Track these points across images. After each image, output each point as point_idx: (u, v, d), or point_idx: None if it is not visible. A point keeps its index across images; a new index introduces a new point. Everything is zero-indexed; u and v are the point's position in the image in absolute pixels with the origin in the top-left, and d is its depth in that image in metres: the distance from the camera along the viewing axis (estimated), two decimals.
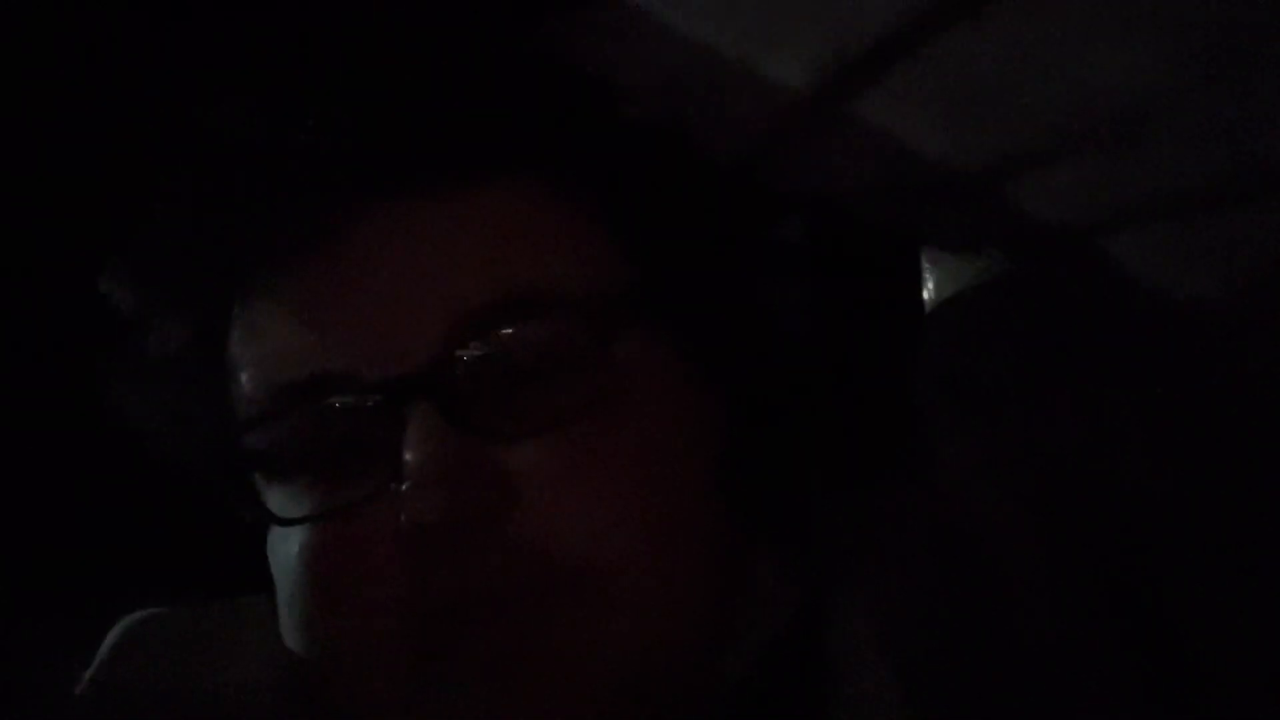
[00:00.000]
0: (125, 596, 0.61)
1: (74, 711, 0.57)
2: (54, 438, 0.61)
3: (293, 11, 0.58)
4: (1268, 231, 0.44)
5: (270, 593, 0.57)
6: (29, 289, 0.66)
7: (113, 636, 0.60)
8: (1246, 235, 0.45)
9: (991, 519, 0.52)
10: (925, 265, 0.63)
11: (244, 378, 0.54)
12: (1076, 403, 0.51)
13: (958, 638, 0.52)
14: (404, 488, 0.48)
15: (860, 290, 0.66)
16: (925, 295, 0.63)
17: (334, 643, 0.52)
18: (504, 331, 0.50)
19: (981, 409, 0.53)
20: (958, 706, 0.51)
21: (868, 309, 0.66)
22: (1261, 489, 0.46)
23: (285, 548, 0.53)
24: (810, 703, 0.53)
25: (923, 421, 0.55)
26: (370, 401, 0.50)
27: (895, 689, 0.51)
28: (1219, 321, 0.46)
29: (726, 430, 0.55)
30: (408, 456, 0.48)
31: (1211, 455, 0.47)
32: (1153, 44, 0.44)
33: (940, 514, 0.54)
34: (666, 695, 0.52)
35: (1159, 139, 0.45)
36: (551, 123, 0.53)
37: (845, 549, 0.57)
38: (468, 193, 0.51)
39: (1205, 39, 0.44)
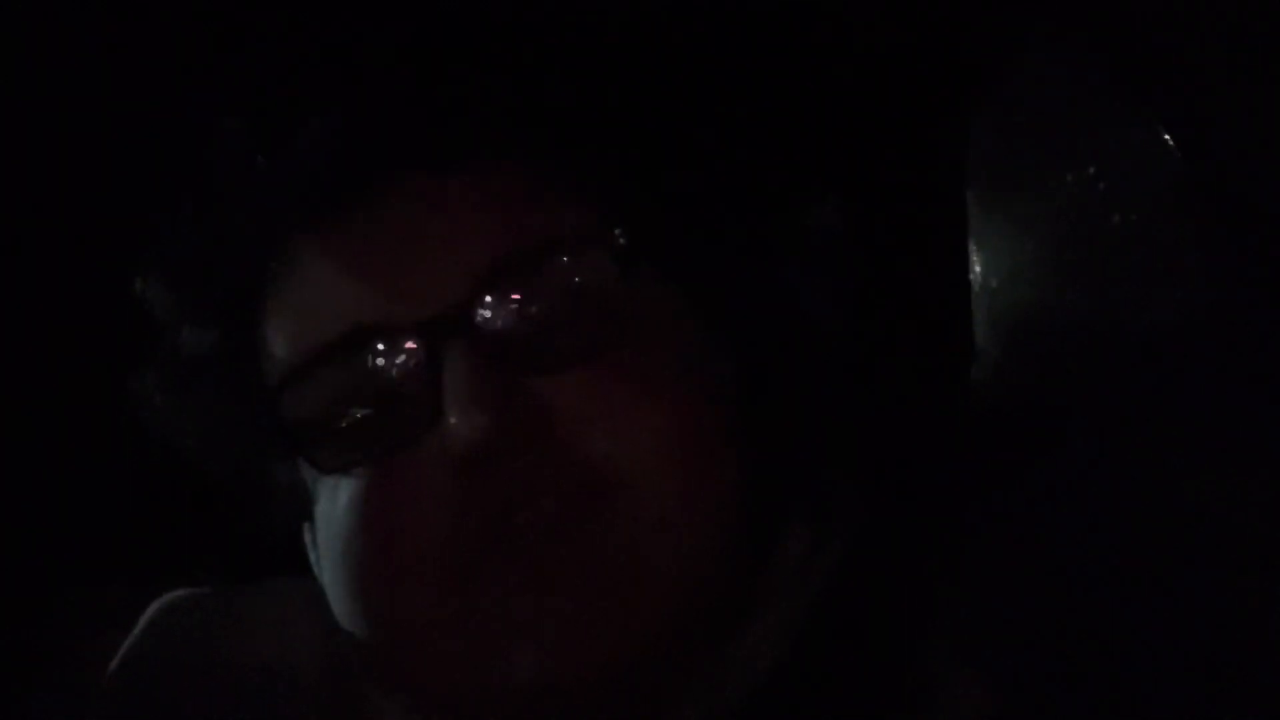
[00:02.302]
0: (159, 577, 0.61)
1: (107, 688, 0.58)
2: (93, 422, 0.59)
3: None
4: None
5: (303, 575, 0.58)
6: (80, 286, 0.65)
7: (147, 616, 0.60)
8: None
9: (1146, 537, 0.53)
10: (972, 249, 0.63)
11: (282, 346, 0.56)
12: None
13: (1064, 658, 0.52)
14: (447, 413, 0.51)
15: (894, 273, 0.66)
16: (973, 276, 0.64)
17: (388, 581, 0.53)
18: (527, 274, 0.53)
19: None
20: None
21: (903, 292, 0.66)
22: None
23: (334, 502, 0.55)
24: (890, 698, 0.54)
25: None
26: (410, 345, 0.52)
27: (986, 703, 0.53)
28: None
29: (738, 385, 0.57)
30: (448, 386, 0.51)
31: None
32: None
33: (1075, 528, 0.54)
34: (698, 620, 0.53)
35: None
36: (554, 109, 0.57)
37: (943, 548, 0.57)
38: (484, 164, 0.55)
39: None
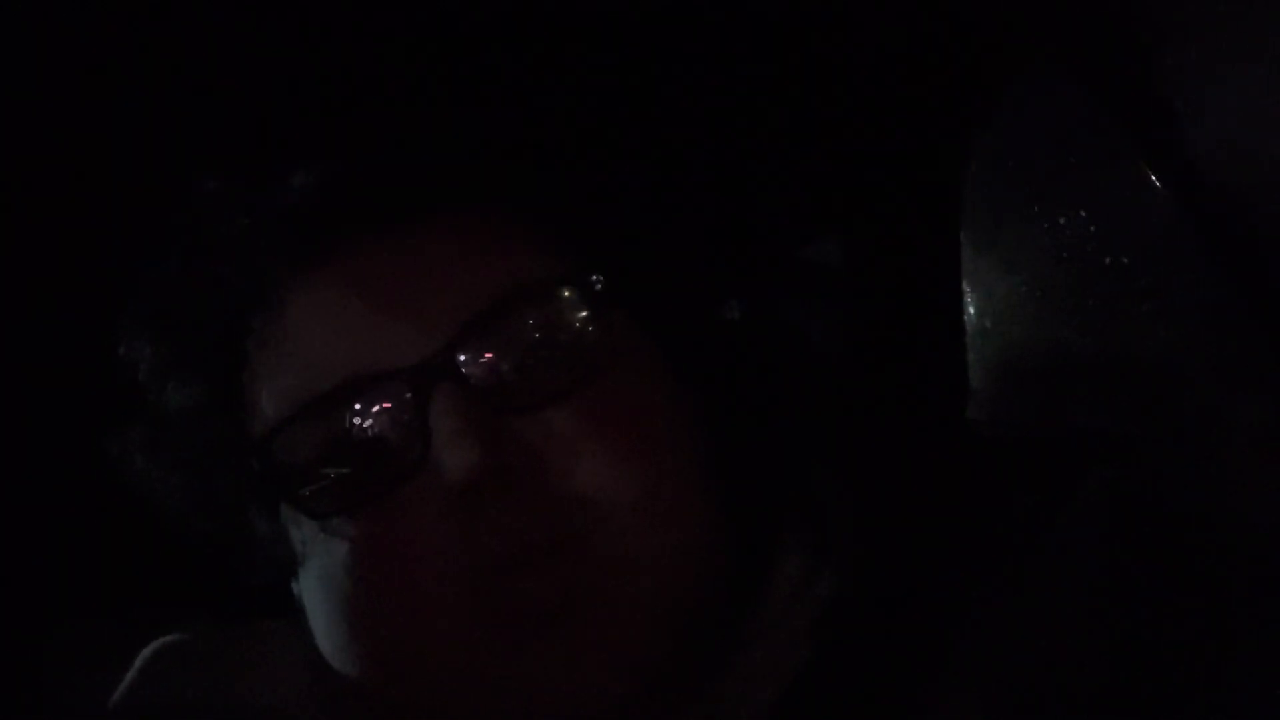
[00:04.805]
0: (153, 620, 0.61)
1: None
2: (86, 460, 0.59)
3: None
4: None
5: (293, 616, 0.59)
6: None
7: (140, 660, 0.60)
8: None
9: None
10: (965, 288, 0.64)
11: (270, 397, 0.58)
12: None
13: (1066, 693, 0.52)
14: (437, 452, 0.53)
15: (884, 311, 0.66)
16: (966, 316, 0.65)
17: (392, 625, 0.54)
18: (507, 319, 0.56)
19: None
20: None
21: (897, 329, 0.67)
22: None
23: (327, 549, 0.56)
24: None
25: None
26: (397, 391, 0.54)
27: None
28: None
29: (713, 418, 0.60)
30: (436, 427, 0.53)
31: None
32: None
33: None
34: (690, 645, 0.55)
35: None
36: (530, 158, 0.61)
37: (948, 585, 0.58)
38: (462, 212, 0.58)
39: None
